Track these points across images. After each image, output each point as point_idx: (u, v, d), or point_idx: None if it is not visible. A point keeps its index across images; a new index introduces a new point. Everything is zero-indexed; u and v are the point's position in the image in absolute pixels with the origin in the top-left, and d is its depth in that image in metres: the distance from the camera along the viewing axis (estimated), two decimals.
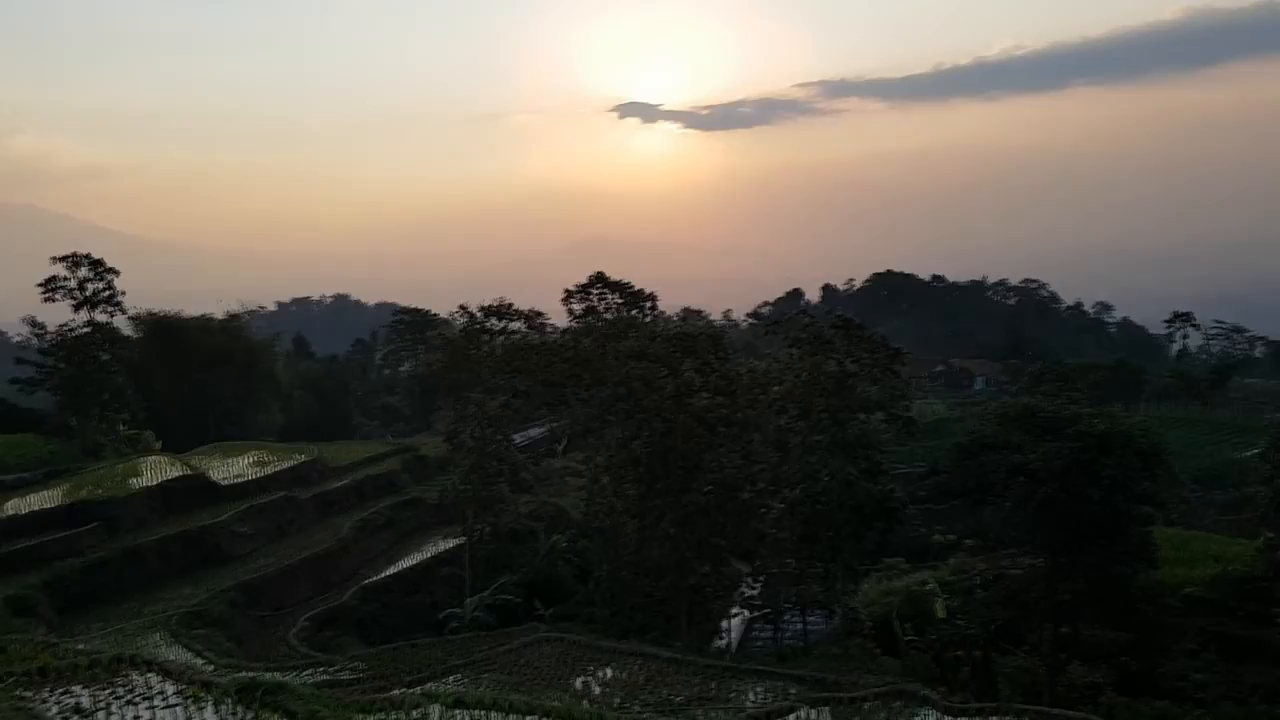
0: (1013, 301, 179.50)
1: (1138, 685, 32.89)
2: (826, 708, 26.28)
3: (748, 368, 42.16)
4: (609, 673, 32.70)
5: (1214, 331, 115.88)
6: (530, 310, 56.00)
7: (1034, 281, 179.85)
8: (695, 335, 41.10)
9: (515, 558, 54.49)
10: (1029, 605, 33.78)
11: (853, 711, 27.00)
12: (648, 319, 55.72)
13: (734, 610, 49.85)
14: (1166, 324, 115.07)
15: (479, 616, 44.11)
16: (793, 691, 28.88)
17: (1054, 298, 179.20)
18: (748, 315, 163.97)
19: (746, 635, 49.98)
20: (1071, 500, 29.19)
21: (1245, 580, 31.77)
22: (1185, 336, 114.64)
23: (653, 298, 56.63)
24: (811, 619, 47.66)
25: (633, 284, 55.68)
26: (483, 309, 51.63)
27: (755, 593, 48.83)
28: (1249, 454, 66.26)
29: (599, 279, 55.63)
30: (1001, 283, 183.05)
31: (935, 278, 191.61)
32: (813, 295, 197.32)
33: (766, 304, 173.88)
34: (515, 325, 54.13)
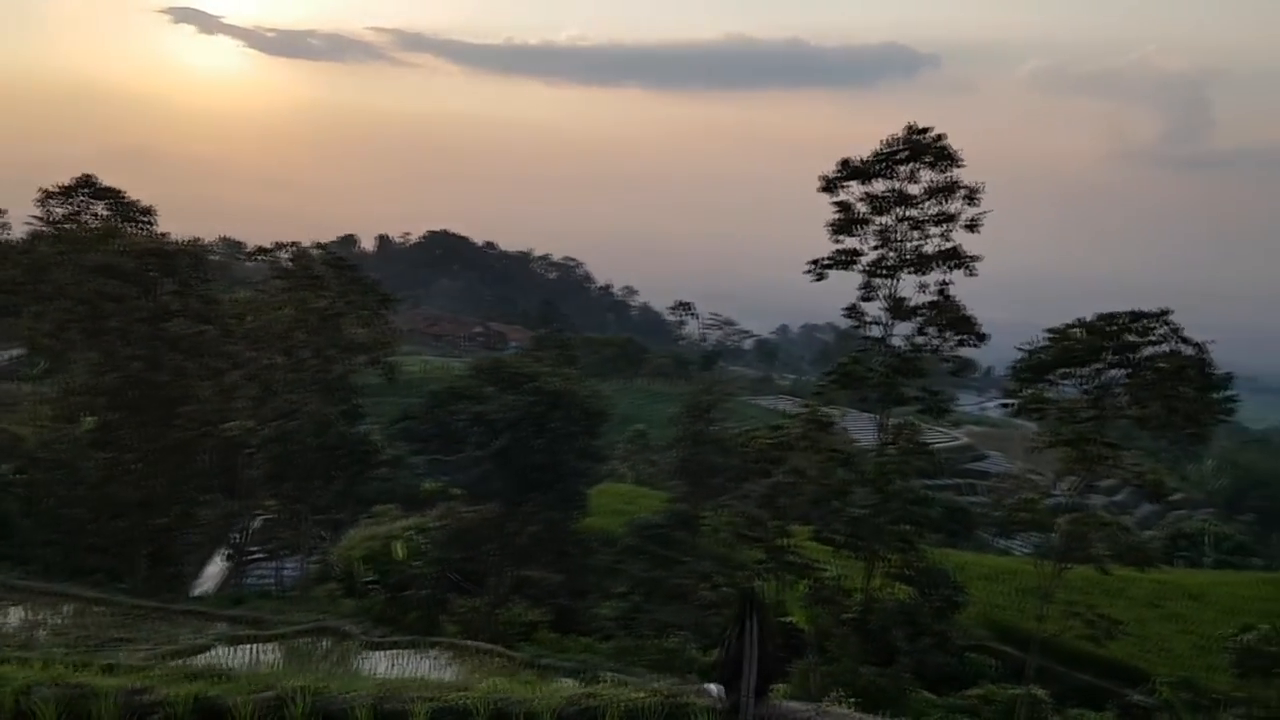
0: (553, 276, 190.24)
1: (572, 623, 36.15)
2: (247, 645, 25.94)
3: (231, 297, 39.85)
4: (19, 615, 29.41)
5: (710, 322, 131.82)
6: None
7: (573, 260, 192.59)
8: (173, 253, 37.98)
9: None
10: (485, 548, 35.75)
11: (288, 650, 26.97)
12: (144, 234, 50.56)
13: (219, 554, 47.46)
14: (671, 311, 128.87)
15: None
16: (219, 630, 28.01)
17: (589, 277, 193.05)
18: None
19: (231, 580, 47.78)
20: (521, 450, 31.27)
21: (650, 527, 36.29)
22: (684, 324, 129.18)
23: (150, 212, 51.45)
24: (293, 563, 46.67)
25: (125, 193, 50.20)
26: None
27: (237, 536, 46.87)
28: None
29: (85, 183, 49.51)
30: (545, 257, 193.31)
31: (488, 244, 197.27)
32: (368, 243, 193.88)
33: (318, 246, 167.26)
34: None
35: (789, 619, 27.11)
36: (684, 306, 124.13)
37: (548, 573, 37.40)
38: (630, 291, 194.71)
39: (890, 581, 27.78)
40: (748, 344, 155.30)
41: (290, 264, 37.01)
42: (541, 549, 36.20)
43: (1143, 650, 32.68)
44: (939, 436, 77.34)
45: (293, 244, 39.03)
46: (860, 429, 32.82)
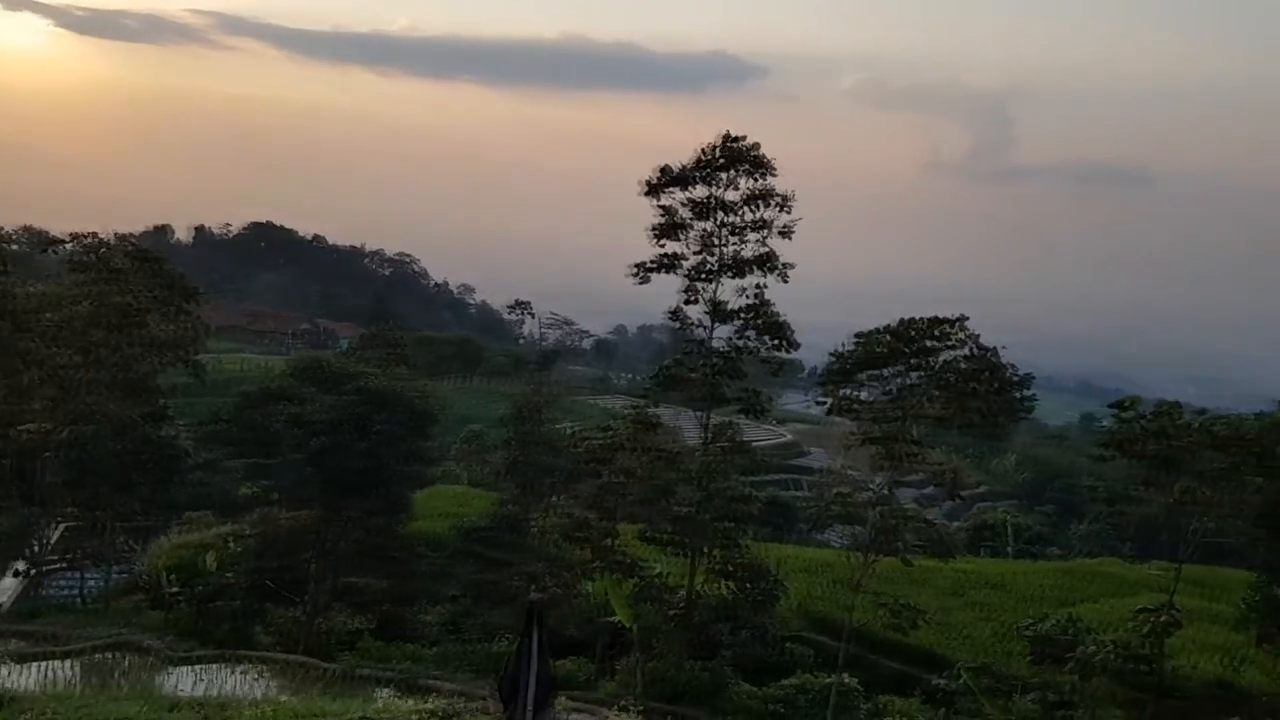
0: (387, 272, 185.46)
1: (398, 630, 35.27)
2: (39, 662, 24.27)
3: (29, 290, 37.12)
4: None
5: (549, 321, 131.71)
6: None
7: (407, 256, 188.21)
8: None
9: None
10: (304, 555, 34.42)
11: (86, 666, 25.31)
12: None
13: (14, 565, 44.25)
14: (509, 309, 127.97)
15: None
16: (10, 647, 26.08)
17: (424, 274, 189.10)
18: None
19: (28, 593, 44.58)
20: (342, 453, 30.29)
21: (478, 530, 35.96)
22: (523, 323, 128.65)
23: None
24: (97, 575, 43.91)
25: None
26: None
27: (35, 546, 43.72)
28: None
29: None
30: (378, 252, 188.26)
31: (316, 237, 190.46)
32: (183, 234, 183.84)
33: (120, 236, 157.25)
34: None
35: (614, 618, 27.36)
36: (522, 305, 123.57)
37: (371, 579, 36.39)
38: (467, 289, 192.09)
39: (713, 577, 28.43)
40: (586, 343, 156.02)
41: (88, 257, 34.65)
42: (364, 555, 35.15)
43: (946, 638, 34.49)
44: (765, 434, 79.85)
45: (92, 234, 36.57)
46: (691, 428, 33.46)
